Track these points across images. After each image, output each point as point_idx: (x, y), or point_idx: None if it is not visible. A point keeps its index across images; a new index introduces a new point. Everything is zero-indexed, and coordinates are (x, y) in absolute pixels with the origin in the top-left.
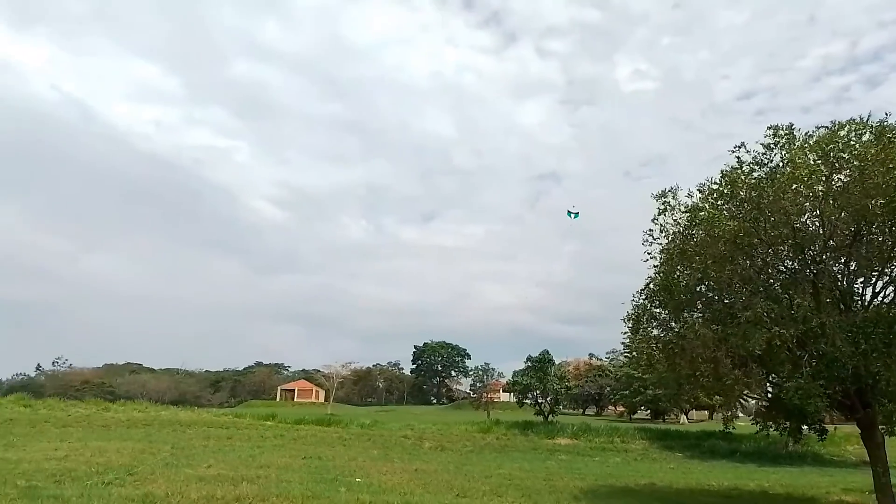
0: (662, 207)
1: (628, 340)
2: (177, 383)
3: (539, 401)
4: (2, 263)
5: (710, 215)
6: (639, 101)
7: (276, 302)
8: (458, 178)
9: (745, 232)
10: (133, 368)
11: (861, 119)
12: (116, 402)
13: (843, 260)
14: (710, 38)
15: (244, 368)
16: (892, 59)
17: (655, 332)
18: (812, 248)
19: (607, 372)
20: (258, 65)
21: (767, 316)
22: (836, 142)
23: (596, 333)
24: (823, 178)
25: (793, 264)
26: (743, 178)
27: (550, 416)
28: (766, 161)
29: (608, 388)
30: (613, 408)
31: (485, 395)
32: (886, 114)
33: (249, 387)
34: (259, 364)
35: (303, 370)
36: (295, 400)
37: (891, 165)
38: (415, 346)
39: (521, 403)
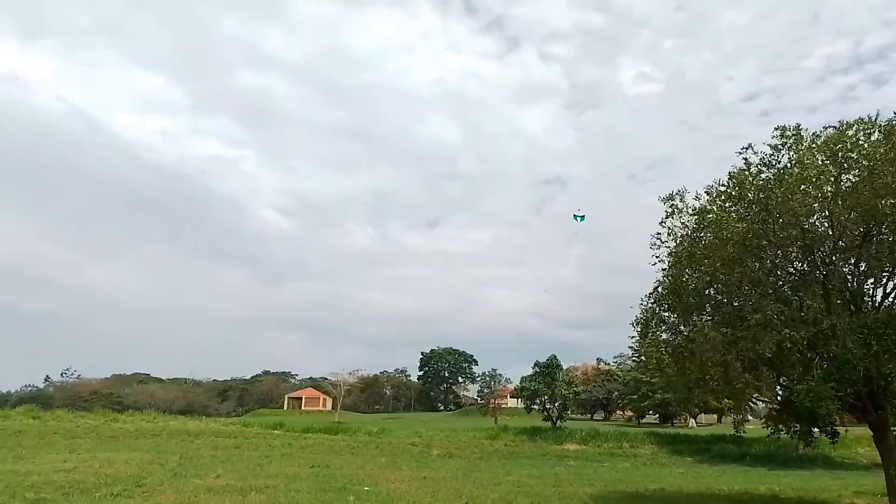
0: (670, 210)
1: (637, 345)
2: (185, 393)
3: (547, 406)
4: (9, 274)
5: (719, 217)
6: (643, 104)
7: (283, 310)
8: (463, 183)
9: (753, 234)
10: (141, 378)
11: (869, 118)
12: (125, 412)
13: (852, 261)
14: (714, 39)
15: (251, 377)
16: None
17: (664, 336)
18: (821, 250)
19: (615, 376)
20: (262, 74)
21: (777, 318)
22: (845, 141)
23: (603, 338)
24: (832, 179)
25: (802, 266)
26: (751, 179)
27: (559, 421)
28: (773, 162)
29: (616, 393)
30: (622, 412)
31: (492, 401)
32: (895, 113)
33: (257, 395)
34: (266, 373)
35: (310, 378)
36: (302, 408)
37: None
38: (422, 353)
39: (529, 409)
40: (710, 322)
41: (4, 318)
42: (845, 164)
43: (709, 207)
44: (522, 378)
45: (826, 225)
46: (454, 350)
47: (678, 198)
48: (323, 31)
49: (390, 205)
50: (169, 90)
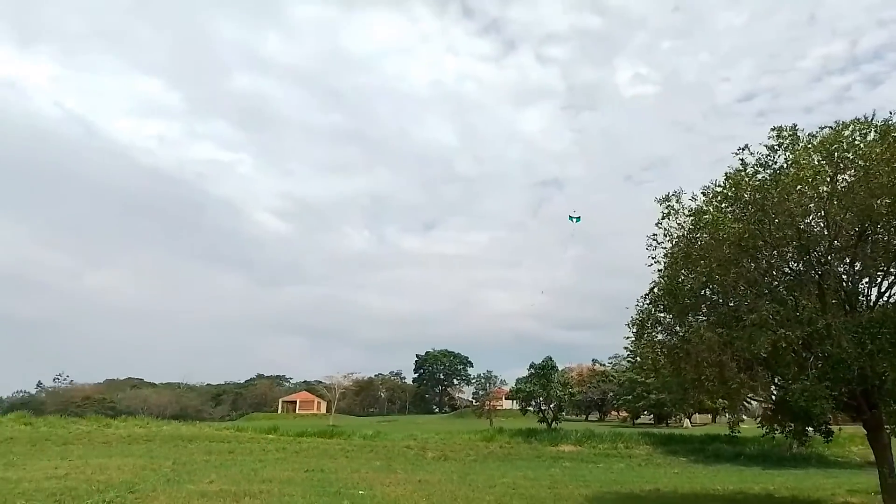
0: (666, 211)
1: (633, 345)
2: (178, 397)
3: (542, 408)
4: (3, 280)
5: (715, 218)
6: (640, 105)
7: (279, 314)
8: (460, 185)
9: (749, 234)
10: (134, 383)
11: (865, 118)
12: (117, 417)
13: (848, 260)
14: (710, 40)
15: (245, 381)
16: (893, 58)
17: (660, 336)
18: (817, 250)
19: (610, 377)
20: (259, 77)
21: (773, 318)
22: (841, 142)
23: (599, 338)
24: (828, 179)
25: (798, 266)
26: (747, 180)
27: (554, 423)
28: (770, 163)
29: (611, 394)
30: (616, 413)
31: (487, 402)
32: (891, 113)
33: (251, 399)
34: (260, 376)
35: (304, 382)
36: (297, 412)
37: None
38: (417, 355)
39: (524, 411)
40: (705, 322)
41: None
42: (841, 165)
43: (705, 208)
44: (518, 380)
45: (822, 225)
46: (449, 352)
47: (674, 199)
48: (320, 34)
49: (387, 207)
50: (166, 94)
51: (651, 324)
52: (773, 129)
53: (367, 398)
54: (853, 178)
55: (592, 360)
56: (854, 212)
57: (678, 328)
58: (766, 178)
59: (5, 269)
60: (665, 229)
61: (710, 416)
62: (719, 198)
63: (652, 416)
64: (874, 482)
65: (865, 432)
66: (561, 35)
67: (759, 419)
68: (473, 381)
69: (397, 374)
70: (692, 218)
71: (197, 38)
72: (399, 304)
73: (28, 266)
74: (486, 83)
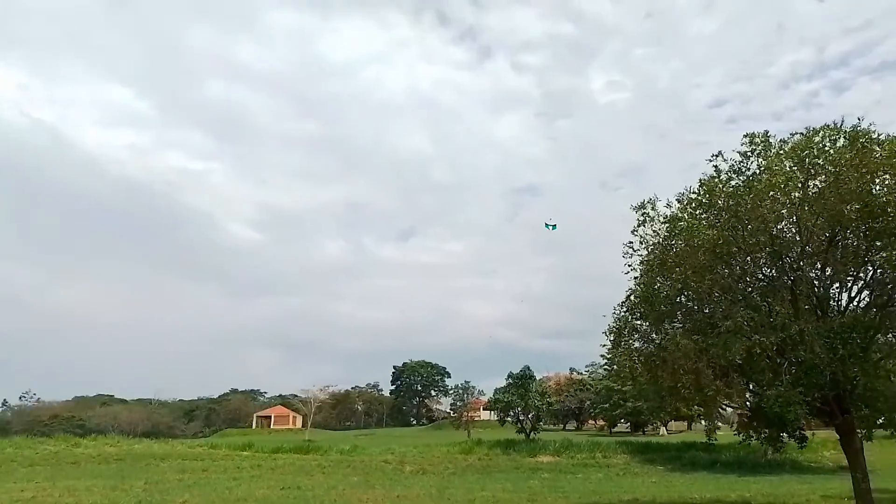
0: (642, 219)
1: (610, 353)
2: (150, 414)
3: (521, 418)
4: None
5: (690, 225)
6: (613, 112)
7: (253, 326)
8: (436, 193)
9: (723, 240)
10: (104, 400)
11: (835, 125)
12: (87, 436)
13: (819, 265)
14: (682, 47)
15: (219, 396)
16: (858, 65)
17: (637, 344)
18: (789, 255)
19: (587, 385)
20: (233, 85)
21: (747, 324)
22: (811, 148)
23: (575, 347)
24: (800, 185)
25: (771, 272)
26: (721, 186)
27: (532, 433)
28: (743, 169)
29: (588, 402)
30: (594, 421)
31: (465, 414)
32: (859, 119)
33: (225, 415)
34: (234, 391)
35: (279, 396)
36: (272, 427)
37: (864, 170)
38: (394, 367)
39: (502, 421)
40: (681, 330)
41: None
42: (812, 171)
43: (680, 215)
44: (496, 390)
45: (794, 231)
46: (427, 363)
47: (650, 206)
48: (295, 41)
49: (364, 216)
50: (137, 103)
51: (628, 332)
52: (745, 136)
53: (343, 411)
54: (824, 184)
55: (570, 369)
56: (825, 217)
57: (654, 336)
58: (739, 185)
59: None
60: (641, 237)
61: (685, 423)
62: (694, 204)
63: (629, 424)
64: (847, 487)
65: (838, 437)
66: (536, 42)
67: (734, 426)
68: (451, 392)
69: (374, 387)
70: (667, 225)
71: (169, 46)
72: (376, 314)
73: None
74: (462, 90)
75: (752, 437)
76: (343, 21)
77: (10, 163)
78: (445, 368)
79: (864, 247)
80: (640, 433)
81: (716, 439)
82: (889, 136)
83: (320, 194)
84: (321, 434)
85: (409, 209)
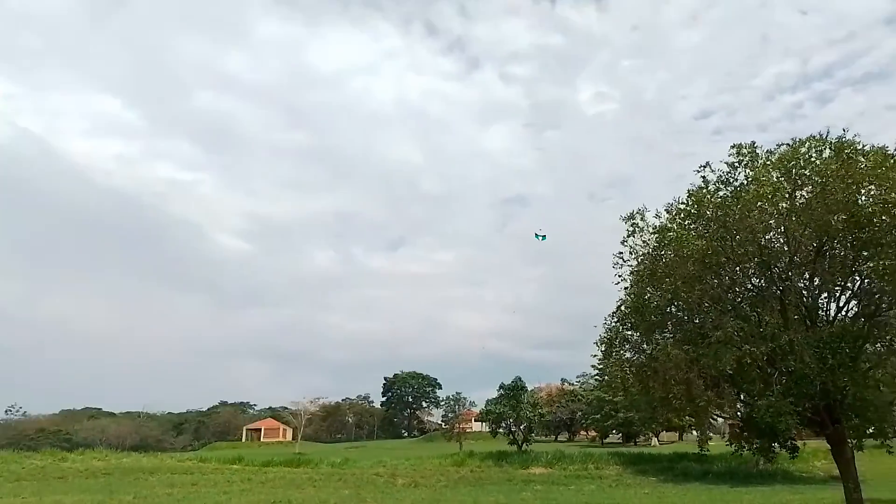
0: (631, 229)
1: (601, 364)
2: (138, 427)
3: (513, 429)
4: None
5: (679, 235)
6: (601, 123)
7: (242, 337)
8: (426, 203)
9: (712, 251)
10: (92, 413)
11: (820, 136)
12: (74, 450)
13: (807, 275)
14: (668, 59)
15: (208, 409)
16: (842, 76)
17: (628, 354)
18: (778, 265)
19: (579, 396)
20: (222, 95)
21: (737, 335)
22: (798, 158)
23: (566, 357)
24: (787, 195)
25: (760, 281)
26: (709, 197)
27: (524, 444)
28: (731, 180)
29: (580, 413)
30: (585, 432)
31: (457, 425)
32: (844, 130)
33: (214, 428)
34: (223, 404)
35: (269, 408)
36: (262, 440)
37: (850, 181)
38: (385, 378)
39: (494, 433)
40: (672, 340)
41: None
42: (799, 181)
43: (669, 225)
44: (487, 401)
45: (782, 241)
46: (418, 374)
47: (639, 216)
48: (284, 52)
49: (353, 227)
50: (125, 113)
51: (619, 342)
52: (732, 147)
53: (334, 424)
54: (811, 195)
55: (561, 380)
56: (812, 227)
57: (645, 346)
58: (727, 195)
59: None
60: (630, 247)
61: (676, 433)
62: (682, 215)
63: (620, 434)
64: (839, 497)
65: (829, 447)
66: (524, 54)
67: (725, 437)
68: (442, 403)
69: (365, 398)
70: (657, 235)
71: (157, 56)
72: (366, 324)
73: None
74: (451, 101)
75: (745, 447)
76: (331, 31)
77: None
78: (436, 379)
79: (851, 257)
80: (632, 444)
81: (708, 450)
82: (874, 147)
83: (309, 204)
84: (312, 447)
85: (399, 219)
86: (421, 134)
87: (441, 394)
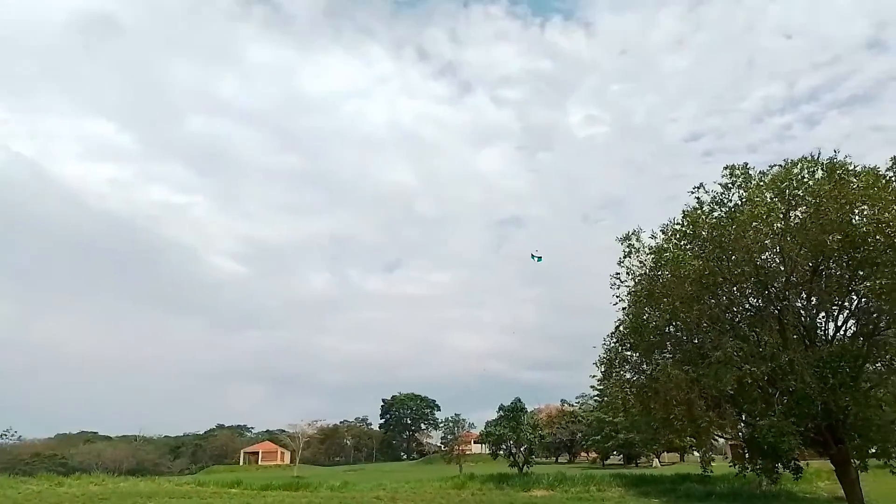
0: (627, 250)
1: (602, 385)
2: (134, 451)
3: (513, 451)
4: None
5: (675, 255)
6: (593, 146)
7: (239, 360)
8: (421, 225)
9: (709, 271)
10: (88, 437)
11: (812, 156)
12: (70, 475)
13: (804, 295)
14: (657, 82)
15: (205, 432)
16: (828, 99)
17: (628, 375)
18: (775, 285)
19: (579, 417)
20: (215, 119)
21: (737, 355)
22: (791, 179)
23: (564, 378)
24: (781, 216)
25: (757, 301)
26: (704, 217)
27: (525, 466)
28: (724, 200)
29: (580, 434)
30: (586, 454)
31: (456, 447)
32: (836, 151)
33: (211, 451)
34: (221, 427)
35: (267, 431)
36: (259, 463)
37: (844, 201)
38: (383, 400)
39: (495, 455)
40: (671, 360)
41: None
42: (793, 201)
43: (665, 246)
44: (487, 423)
45: (777, 261)
46: (416, 395)
47: (634, 237)
48: (277, 76)
49: (348, 249)
50: (118, 137)
51: (619, 362)
52: (725, 168)
53: (332, 446)
54: (805, 215)
55: (561, 401)
56: (808, 247)
57: (645, 366)
58: (722, 216)
59: None
60: (627, 268)
61: (678, 454)
62: (678, 235)
63: (621, 456)
64: None
65: (833, 467)
66: (514, 78)
67: (728, 457)
68: (441, 425)
69: (363, 421)
70: (653, 256)
71: (150, 81)
72: (363, 347)
73: None
74: (444, 124)
75: (748, 468)
76: (323, 56)
77: None
78: (435, 401)
79: (847, 276)
80: (633, 465)
81: (711, 471)
82: (865, 167)
83: (304, 227)
84: (310, 470)
85: (394, 241)
86: (415, 157)
87: (440, 415)
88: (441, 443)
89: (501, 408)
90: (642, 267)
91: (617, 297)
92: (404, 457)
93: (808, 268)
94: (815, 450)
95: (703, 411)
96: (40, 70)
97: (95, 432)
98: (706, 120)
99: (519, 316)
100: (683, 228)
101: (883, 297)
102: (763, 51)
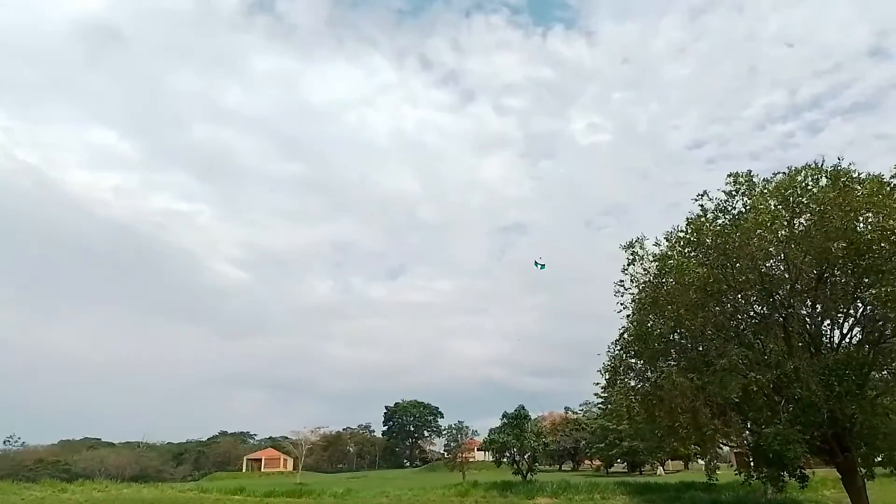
0: (631, 258)
1: (606, 392)
2: (137, 457)
3: (517, 459)
4: None
5: (679, 263)
6: (595, 153)
7: (242, 367)
8: (424, 233)
9: (714, 278)
10: (91, 444)
11: (816, 164)
12: (73, 481)
13: (809, 302)
14: (659, 90)
15: (208, 439)
16: (831, 107)
17: (633, 382)
18: (779, 293)
19: (583, 425)
20: (219, 127)
21: (742, 362)
22: (795, 187)
23: (568, 385)
24: (786, 223)
25: (762, 309)
26: (708, 225)
27: (529, 474)
28: (728, 208)
29: (584, 442)
30: (590, 461)
31: (459, 455)
32: (840, 158)
33: (214, 458)
34: (224, 433)
35: (270, 438)
36: (262, 470)
37: (848, 209)
38: (386, 407)
39: (498, 462)
40: (676, 367)
41: None
42: (797, 209)
43: (669, 253)
44: (490, 430)
45: (782, 268)
46: (419, 403)
47: (638, 245)
48: (280, 85)
49: (352, 256)
50: (122, 145)
51: (623, 370)
52: (729, 176)
53: (335, 454)
54: (809, 222)
55: (565, 408)
56: (812, 255)
57: (650, 374)
58: (726, 223)
59: None
60: (631, 275)
61: (682, 462)
62: (682, 243)
63: (625, 463)
64: None
65: (839, 475)
66: (517, 86)
67: (732, 465)
68: (444, 432)
69: (366, 428)
70: (657, 263)
71: (155, 89)
72: (366, 353)
73: None
74: (446, 132)
75: (753, 476)
76: (327, 66)
77: None
78: (438, 408)
79: (852, 283)
80: (637, 473)
81: (716, 479)
82: (870, 174)
83: (307, 234)
84: (313, 477)
85: (397, 248)
86: (418, 164)
87: (443, 422)
88: (444, 450)
89: (505, 415)
90: (646, 274)
91: (621, 304)
92: (407, 464)
93: (812, 275)
94: (821, 458)
95: (708, 419)
96: (45, 79)
97: (99, 438)
98: (709, 127)
99: (522, 323)
100: (687, 236)
101: (888, 304)
102: (765, 59)
